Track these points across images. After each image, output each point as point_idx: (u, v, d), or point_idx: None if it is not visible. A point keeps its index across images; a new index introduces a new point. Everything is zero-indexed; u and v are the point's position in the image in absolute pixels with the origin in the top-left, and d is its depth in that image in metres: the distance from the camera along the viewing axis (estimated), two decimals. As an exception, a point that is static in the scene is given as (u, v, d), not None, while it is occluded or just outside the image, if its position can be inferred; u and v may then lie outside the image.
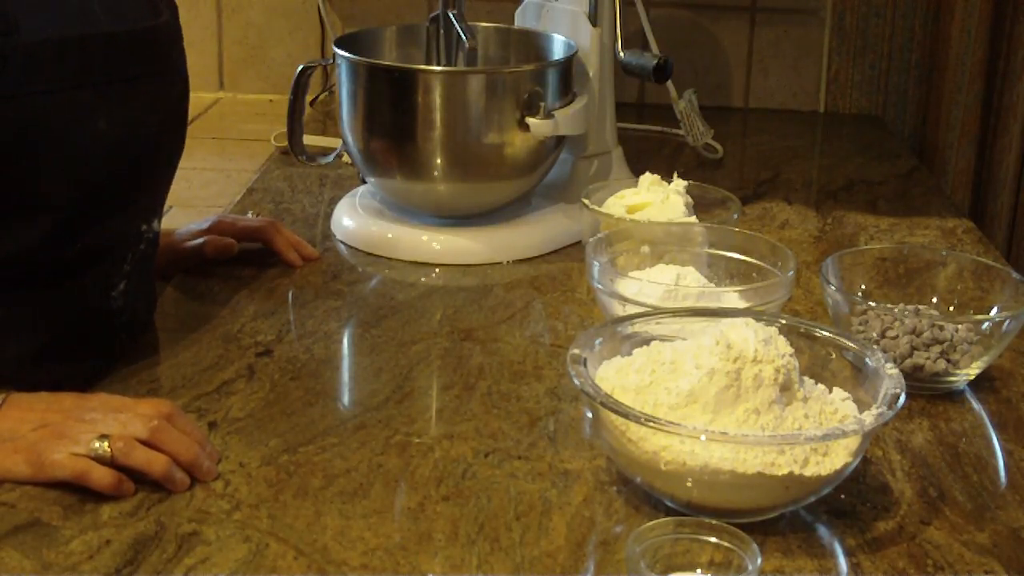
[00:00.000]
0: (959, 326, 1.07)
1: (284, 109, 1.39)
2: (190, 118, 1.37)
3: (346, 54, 1.36)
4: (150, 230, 1.09)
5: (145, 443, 0.90)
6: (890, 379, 0.90)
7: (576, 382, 0.89)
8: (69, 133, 0.97)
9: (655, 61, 1.42)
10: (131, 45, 1.01)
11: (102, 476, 0.88)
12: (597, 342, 0.96)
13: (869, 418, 0.86)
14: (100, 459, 0.88)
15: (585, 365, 0.91)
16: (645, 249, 1.21)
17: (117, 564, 0.82)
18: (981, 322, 1.08)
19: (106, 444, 0.89)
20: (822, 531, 0.89)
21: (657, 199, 1.30)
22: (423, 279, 1.33)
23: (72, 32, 0.96)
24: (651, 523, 0.81)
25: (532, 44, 1.50)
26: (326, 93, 1.98)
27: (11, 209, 0.96)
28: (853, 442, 0.87)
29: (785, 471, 0.84)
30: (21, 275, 0.99)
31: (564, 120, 1.36)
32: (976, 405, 1.08)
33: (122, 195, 1.04)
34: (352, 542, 0.85)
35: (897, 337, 1.07)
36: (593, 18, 1.43)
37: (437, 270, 1.35)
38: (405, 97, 1.33)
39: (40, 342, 1.02)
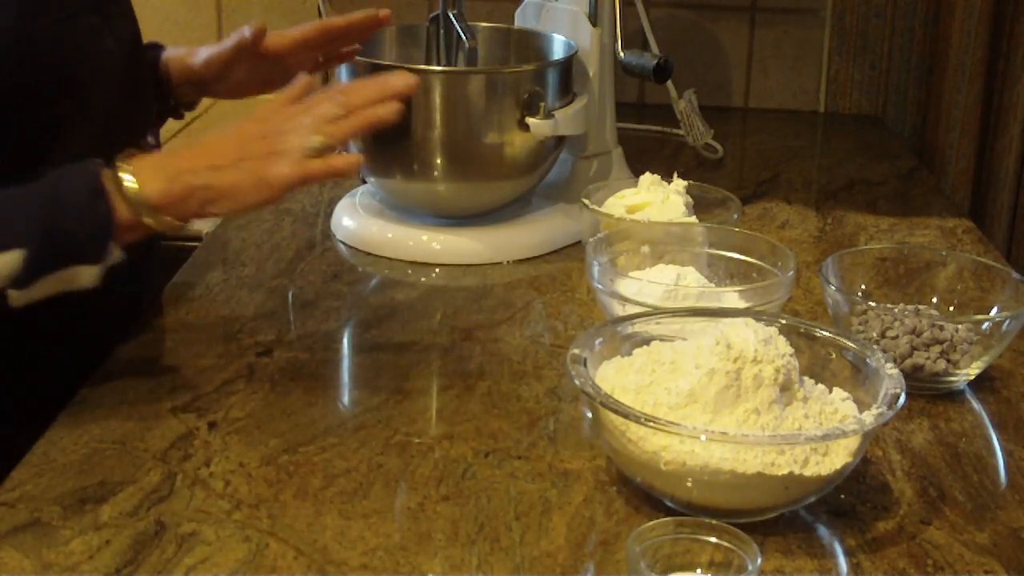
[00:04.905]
0: (959, 326, 1.07)
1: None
2: (190, 117, 1.37)
3: (346, 54, 1.36)
4: (146, 143, 1.20)
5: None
6: (890, 379, 0.90)
7: (576, 382, 0.89)
8: (91, 52, 1.08)
9: (655, 61, 1.42)
10: None
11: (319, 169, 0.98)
12: (597, 342, 0.96)
13: (869, 418, 0.86)
14: (318, 152, 0.97)
15: (585, 365, 0.91)
16: (645, 249, 1.21)
17: (117, 564, 0.82)
18: (981, 322, 1.08)
19: (318, 137, 0.97)
20: (822, 531, 0.89)
21: (657, 199, 1.29)
22: (423, 279, 1.33)
23: None
24: (651, 523, 0.80)
25: (532, 44, 1.50)
26: (326, 93, 1.98)
27: (59, 122, 1.05)
28: (853, 442, 0.87)
29: (785, 471, 0.84)
30: None
31: (564, 120, 1.36)
32: (976, 405, 1.08)
33: (131, 106, 1.15)
34: (352, 542, 0.85)
35: (897, 337, 1.07)
36: (593, 18, 1.43)
37: (437, 270, 1.35)
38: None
39: None
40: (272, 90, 1.33)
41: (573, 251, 1.39)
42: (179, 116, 1.34)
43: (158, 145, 1.26)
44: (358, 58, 1.36)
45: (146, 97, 1.23)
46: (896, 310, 1.10)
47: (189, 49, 1.30)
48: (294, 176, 0.97)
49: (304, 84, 1.06)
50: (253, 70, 1.30)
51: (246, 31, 1.27)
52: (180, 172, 0.98)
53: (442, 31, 1.47)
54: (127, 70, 1.15)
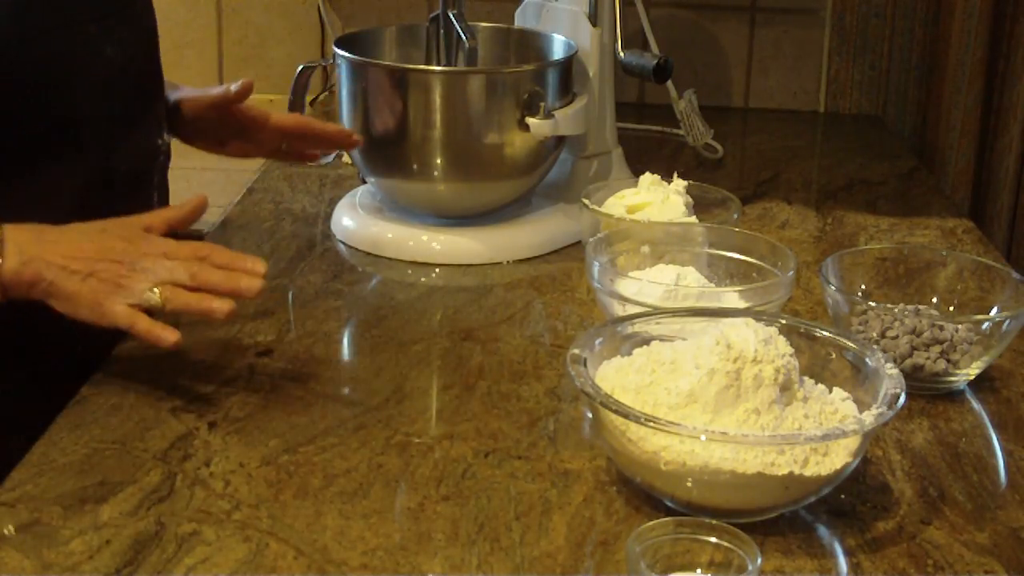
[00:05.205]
0: (959, 326, 1.07)
1: (284, 109, 1.39)
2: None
3: (346, 54, 1.36)
4: (164, 143, 1.26)
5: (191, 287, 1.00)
6: (890, 379, 0.90)
7: (576, 382, 0.89)
8: (87, 60, 1.12)
9: (655, 61, 1.42)
10: None
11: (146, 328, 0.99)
12: (597, 342, 0.96)
13: (869, 418, 0.86)
14: (152, 308, 0.98)
15: (585, 365, 0.91)
16: (645, 249, 1.21)
17: (117, 564, 0.82)
18: (981, 322, 1.08)
19: (157, 295, 0.98)
20: (822, 531, 0.89)
21: (657, 199, 1.30)
22: (423, 279, 1.33)
23: None
24: (651, 523, 0.81)
25: (532, 44, 1.50)
26: (326, 93, 1.98)
27: (58, 126, 1.10)
28: (853, 442, 0.87)
29: (785, 471, 0.84)
30: (79, 204, 1.07)
31: (564, 120, 1.36)
32: (976, 405, 1.08)
33: (139, 110, 1.20)
34: (352, 542, 0.85)
35: (897, 337, 1.07)
36: (593, 18, 1.43)
37: (437, 270, 1.35)
38: (405, 97, 1.34)
39: None
40: (225, 152, 1.36)
41: (573, 251, 1.39)
42: None
43: (168, 146, 1.28)
44: (358, 58, 1.36)
45: (156, 99, 1.25)
46: (896, 310, 1.10)
47: (165, 81, 1.32)
48: (124, 321, 0.99)
49: (191, 209, 1.08)
50: (220, 123, 1.32)
51: (233, 87, 1.29)
52: (37, 258, 0.99)
53: (442, 31, 1.47)
54: (131, 76, 1.18)
